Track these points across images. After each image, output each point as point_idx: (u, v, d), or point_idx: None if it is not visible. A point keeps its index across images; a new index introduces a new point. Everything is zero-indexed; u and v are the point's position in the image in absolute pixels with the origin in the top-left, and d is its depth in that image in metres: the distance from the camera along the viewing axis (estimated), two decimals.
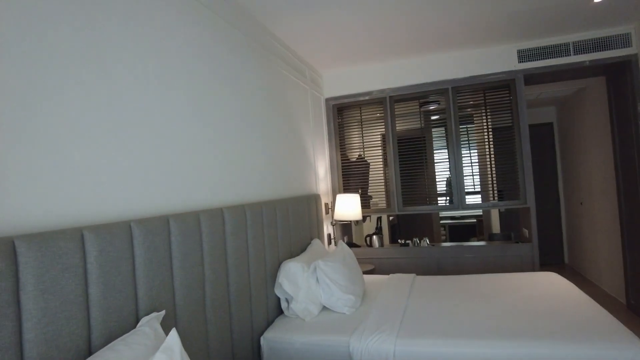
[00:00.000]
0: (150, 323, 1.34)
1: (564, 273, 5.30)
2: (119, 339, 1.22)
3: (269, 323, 2.34)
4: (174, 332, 1.22)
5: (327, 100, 4.15)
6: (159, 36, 1.76)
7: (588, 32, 3.45)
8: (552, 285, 2.61)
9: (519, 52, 3.62)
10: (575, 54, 3.50)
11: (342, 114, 4.26)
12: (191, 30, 2.00)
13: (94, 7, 1.42)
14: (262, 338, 2.18)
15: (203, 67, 2.07)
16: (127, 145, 1.52)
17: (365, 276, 3.18)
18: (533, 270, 3.55)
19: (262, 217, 2.37)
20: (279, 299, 2.48)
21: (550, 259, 5.82)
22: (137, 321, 1.38)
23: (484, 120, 3.81)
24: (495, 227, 5.08)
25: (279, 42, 3.06)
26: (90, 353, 1.19)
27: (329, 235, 3.87)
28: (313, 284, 2.46)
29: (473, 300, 2.44)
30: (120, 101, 1.50)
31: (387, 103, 3.98)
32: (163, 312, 1.44)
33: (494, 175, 3.78)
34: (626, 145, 3.59)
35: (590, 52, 3.46)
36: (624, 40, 3.38)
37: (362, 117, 4.17)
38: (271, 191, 2.73)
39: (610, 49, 3.42)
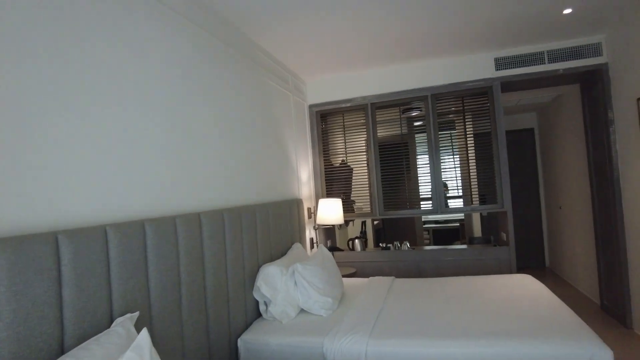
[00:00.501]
0: (124, 324, 1.38)
1: (545, 276, 5.41)
2: (92, 338, 1.26)
3: (247, 325, 2.39)
4: (144, 332, 1.26)
5: (310, 106, 4.22)
6: (139, 45, 1.81)
7: (561, 42, 3.58)
8: (525, 287, 2.69)
9: (496, 60, 3.73)
10: (550, 62, 3.62)
11: (326, 120, 4.33)
12: (170, 39, 2.05)
13: (80, 22, 1.47)
14: (239, 340, 2.23)
15: (182, 76, 2.13)
16: (105, 151, 1.56)
17: (346, 279, 3.24)
18: (510, 272, 3.64)
19: (241, 222, 2.41)
20: (257, 302, 2.52)
21: (532, 262, 5.94)
22: (112, 322, 1.42)
23: (464, 127, 3.90)
24: (477, 230, 5.17)
25: (261, 51, 3.12)
26: (62, 352, 1.23)
27: (312, 239, 3.92)
28: (291, 287, 2.51)
29: (447, 301, 2.51)
30: (97, 108, 1.55)
31: (368, 110, 4.07)
32: (137, 314, 1.49)
33: (472, 180, 3.87)
34: (599, 151, 3.70)
35: (564, 60, 3.58)
36: (595, 50, 3.51)
37: (345, 123, 4.24)
38: (252, 196, 2.78)
39: (582, 58, 3.54)
